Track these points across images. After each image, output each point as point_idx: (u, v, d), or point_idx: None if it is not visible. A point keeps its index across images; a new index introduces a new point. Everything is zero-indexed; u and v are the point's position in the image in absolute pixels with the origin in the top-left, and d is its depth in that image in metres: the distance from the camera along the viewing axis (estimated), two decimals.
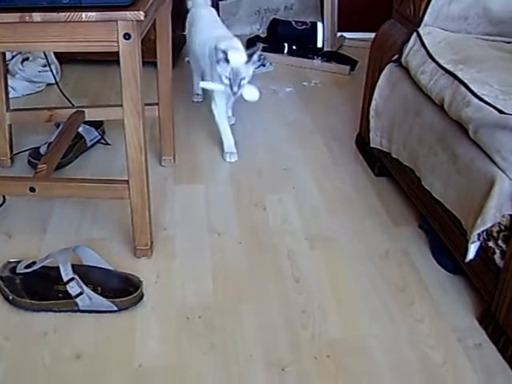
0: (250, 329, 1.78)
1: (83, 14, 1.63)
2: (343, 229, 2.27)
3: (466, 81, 1.91)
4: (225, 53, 2.49)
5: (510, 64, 2.01)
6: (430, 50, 2.16)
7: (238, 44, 2.63)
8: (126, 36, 1.69)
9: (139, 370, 1.65)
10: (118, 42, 1.70)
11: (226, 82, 2.52)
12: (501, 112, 1.74)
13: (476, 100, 1.82)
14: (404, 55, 2.28)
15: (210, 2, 3.17)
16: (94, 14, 1.64)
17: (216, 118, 2.74)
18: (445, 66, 2.04)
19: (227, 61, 2.49)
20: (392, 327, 1.84)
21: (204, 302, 1.89)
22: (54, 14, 1.64)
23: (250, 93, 2.61)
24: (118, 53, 1.72)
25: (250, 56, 2.54)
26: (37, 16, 1.63)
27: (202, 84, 2.83)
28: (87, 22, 1.65)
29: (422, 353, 1.75)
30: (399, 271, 2.07)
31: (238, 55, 2.53)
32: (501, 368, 1.73)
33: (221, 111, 2.73)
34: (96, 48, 1.72)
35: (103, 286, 1.85)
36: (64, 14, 1.63)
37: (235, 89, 2.51)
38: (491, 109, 1.76)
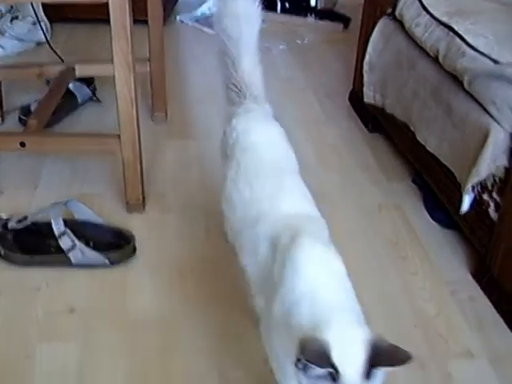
0: (243, 280, 1.78)
1: None
2: (336, 184, 2.27)
3: (460, 32, 1.88)
4: (332, 366, 1.03)
5: (504, 16, 1.98)
6: (425, 3, 2.13)
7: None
8: None
9: (132, 323, 1.65)
10: None
11: None
12: (496, 62, 1.72)
13: (471, 51, 1.80)
14: (398, 8, 2.25)
15: (271, 111, 1.65)
16: None
17: None
18: (439, 18, 2.01)
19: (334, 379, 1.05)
20: (386, 280, 1.84)
21: (196, 256, 1.88)
22: None
23: None
24: (107, 6, 1.69)
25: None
26: None
27: None
28: None
29: (415, 305, 1.76)
30: (392, 226, 2.07)
31: (355, 359, 1.06)
32: (494, 321, 1.75)
33: None
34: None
35: (95, 240, 1.84)
36: None
37: None
38: (486, 59, 1.75)
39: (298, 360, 1.05)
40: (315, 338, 1.06)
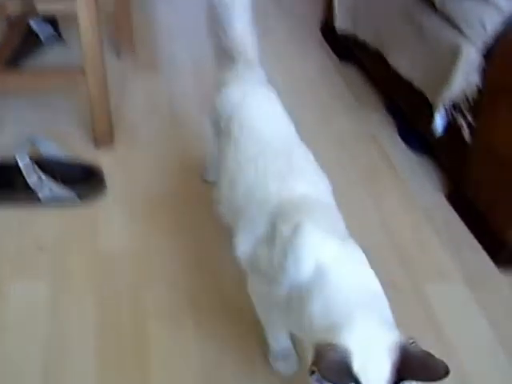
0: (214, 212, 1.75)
1: None
2: (310, 115, 2.22)
3: None
4: (353, 380, 0.89)
5: None
6: None
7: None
8: None
9: (104, 259, 1.62)
10: None
11: None
12: None
13: None
14: None
15: (264, 75, 1.54)
16: None
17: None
18: None
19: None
20: (361, 208, 1.82)
21: (167, 191, 1.85)
22: None
23: None
24: None
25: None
26: None
27: None
28: None
29: (391, 231, 1.75)
30: (367, 155, 2.05)
31: (381, 371, 0.90)
32: (469, 243, 1.74)
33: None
34: None
35: (63, 176, 1.78)
36: None
37: None
38: None
39: (313, 372, 0.89)
40: (333, 345, 0.90)
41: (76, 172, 1.81)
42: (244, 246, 1.23)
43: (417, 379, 0.89)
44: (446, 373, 0.86)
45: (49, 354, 1.38)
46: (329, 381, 0.87)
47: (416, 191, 1.90)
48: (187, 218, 1.75)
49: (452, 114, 1.75)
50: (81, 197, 1.76)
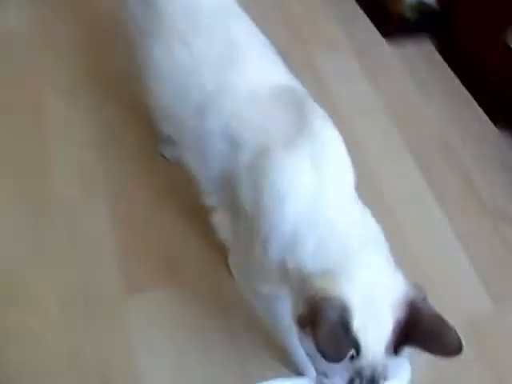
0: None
1: None
2: None
3: None
4: (351, 342, 0.72)
5: None
6: None
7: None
8: None
9: None
10: None
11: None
12: None
13: None
14: None
15: None
16: None
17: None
18: None
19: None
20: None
21: None
22: None
23: None
24: None
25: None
26: None
27: None
28: None
29: (284, 12, 1.74)
30: None
31: (383, 329, 0.74)
32: (360, 18, 1.79)
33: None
34: None
35: None
36: None
37: None
38: None
39: (304, 326, 0.74)
40: (330, 299, 0.72)
41: None
42: (198, 169, 0.99)
43: (420, 347, 0.72)
44: (459, 350, 0.70)
45: None
46: (323, 350, 0.69)
47: None
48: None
49: None
50: None
